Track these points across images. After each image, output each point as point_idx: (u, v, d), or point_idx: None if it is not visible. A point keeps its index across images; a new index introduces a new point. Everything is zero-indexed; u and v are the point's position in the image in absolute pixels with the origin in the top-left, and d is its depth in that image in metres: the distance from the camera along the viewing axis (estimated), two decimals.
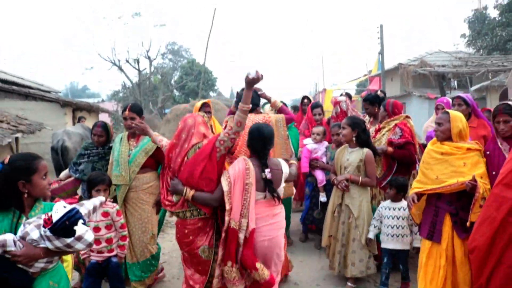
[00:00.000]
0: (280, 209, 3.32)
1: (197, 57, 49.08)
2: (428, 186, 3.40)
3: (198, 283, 3.30)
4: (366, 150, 4.20)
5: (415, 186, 3.53)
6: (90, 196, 3.62)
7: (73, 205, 2.30)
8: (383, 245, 4.17)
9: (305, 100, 6.73)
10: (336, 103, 5.73)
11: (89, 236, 2.22)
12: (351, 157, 4.23)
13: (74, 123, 13.69)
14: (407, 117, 4.72)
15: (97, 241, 3.55)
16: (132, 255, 4.08)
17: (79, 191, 4.54)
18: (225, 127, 3.89)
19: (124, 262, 4.11)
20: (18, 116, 10.49)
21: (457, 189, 3.21)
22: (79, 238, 2.17)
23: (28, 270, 2.22)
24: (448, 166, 3.31)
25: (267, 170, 3.19)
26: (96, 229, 3.57)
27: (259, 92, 4.26)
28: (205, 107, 4.75)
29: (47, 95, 13.12)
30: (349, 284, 4.29)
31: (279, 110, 4.40)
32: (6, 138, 8.89)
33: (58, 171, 7.36)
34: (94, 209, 2.48)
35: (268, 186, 3.20)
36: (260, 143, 3.25)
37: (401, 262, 4.15)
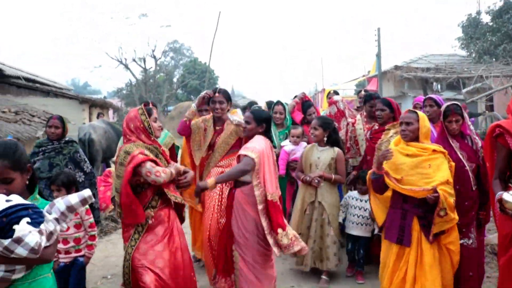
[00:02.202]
0: None
1: (198, 55, 49.90)
2: (391, 184, 3.33)
3: None
4: (337, 149, 4.38)
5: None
6: (51, 192, 3.58)
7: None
8: (347, 231, 4.45)
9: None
10: (333, 103, 5.83)
11: (32, 239, 1.75)
12: (322, 155, 4.35)
13: (90, 119, 14.65)
14: None
15: (64, 240, 3.41)
16: None
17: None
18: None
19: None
20: (45, 112, 11.45)
21: (422, 196, 3.17)
22: (18, 241, 1.73)
23: None
24: (413, 168, 3.24)
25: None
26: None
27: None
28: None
29: (67, 93, 14.10)
30: (323, 277, 4.37)
31: None
32: (38, 131, 9.91)
33: None
34: (83, 202, 2.05)
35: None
36: (268, 123, 3.65)
37: (362, 247, 4.40)
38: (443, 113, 3.62)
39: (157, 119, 3.27)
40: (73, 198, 2.02)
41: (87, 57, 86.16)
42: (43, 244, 1.81)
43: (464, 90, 17.67)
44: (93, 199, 2.19)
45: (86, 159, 4.62)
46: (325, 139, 4.37)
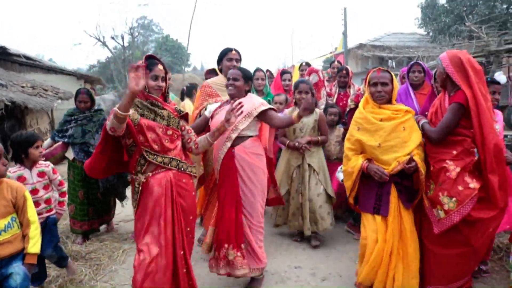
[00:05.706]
0: None
1: (169, 32, 50.43)
2: (367, 155, 3.19)
3: None
4: (318, 110, 4.46)
5: (351, 155, 3.26)
6: (26, 155, 3.38)
7: None
8: None
9: (267, 73, 6.80)
10: (314, 71, 5.84)
11: None
12: (305, 119, 4.30)
13: None
14: None
15: (36, 203, 3.23)
16: None
17: (69, 155, 4.69)
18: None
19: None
20: (53, 87, 12.62)
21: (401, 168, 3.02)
22: None
23: None
24: (390, 132, 3.05)
25: None
26: (34, 191, 3.38)
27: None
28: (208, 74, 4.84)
29: (65, 69, 15.16)
30: (316, 235, 4.49)
31: None
32: (53, 103, 11.18)
33: None
34: None
35: None
36: (252, 82, 3.70)
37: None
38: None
39: (159, 78, 2.86)
40: None
41: (64, 34, 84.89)
42: None
43: None
44: None
45: None
46: None
